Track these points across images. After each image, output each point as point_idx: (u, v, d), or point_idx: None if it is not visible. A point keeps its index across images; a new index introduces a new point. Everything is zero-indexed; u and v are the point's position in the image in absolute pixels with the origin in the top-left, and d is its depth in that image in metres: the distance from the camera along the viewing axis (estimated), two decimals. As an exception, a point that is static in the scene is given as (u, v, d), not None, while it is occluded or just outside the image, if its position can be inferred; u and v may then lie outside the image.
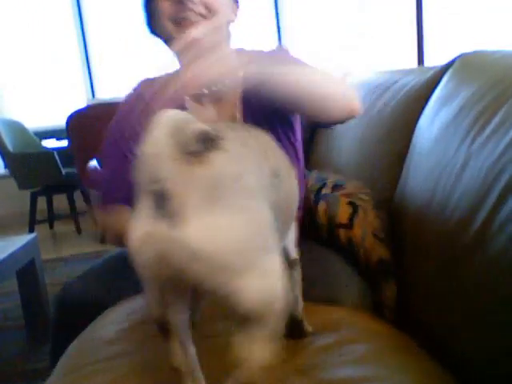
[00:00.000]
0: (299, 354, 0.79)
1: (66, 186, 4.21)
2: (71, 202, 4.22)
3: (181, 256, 0.51)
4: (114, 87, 5.02)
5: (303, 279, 0.88)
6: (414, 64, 2.24)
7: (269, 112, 1.04)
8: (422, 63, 2.21)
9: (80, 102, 4.89)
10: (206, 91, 0.99)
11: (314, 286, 0.97)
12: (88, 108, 3.67)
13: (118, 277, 1.15)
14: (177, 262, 0.51)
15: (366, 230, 1.13)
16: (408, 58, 2.47)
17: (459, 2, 2.93)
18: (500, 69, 0.98)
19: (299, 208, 1.18)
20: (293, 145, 1.15)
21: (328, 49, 4.76)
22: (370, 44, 4.13)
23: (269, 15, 5.04)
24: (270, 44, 4.84)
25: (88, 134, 3.62)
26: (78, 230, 4.25)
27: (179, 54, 1.00)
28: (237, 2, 1.11)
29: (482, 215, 0.78)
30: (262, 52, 1.13)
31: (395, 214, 1.17)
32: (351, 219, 1.14)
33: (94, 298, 1.08)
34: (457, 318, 0.84)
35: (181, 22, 1.00)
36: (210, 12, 1.00)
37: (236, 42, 1.11)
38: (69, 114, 3.52)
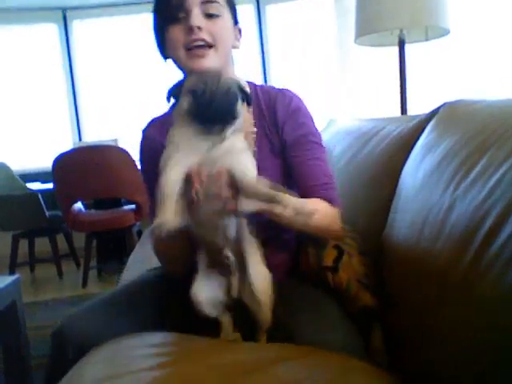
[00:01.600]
0: None
1: (49, 229, 4.17)
2: (53, 245, 4.17)
3: None
4: (101, 130, 5.05)
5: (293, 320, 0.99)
6: (398, 112, 2.31)
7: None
8: (405, 112, 2.28)
9: (66, 144, 4.89)
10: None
11: (306, 326, 1.03)
12: (74, 151, 3.68)
13: (119, 314, 1.16)
14: None
15: (350, 275, 1.15)
16: (391, 107, 2.54)
17: (442, 51, 3.05)
18: (482, 118, 1.02)
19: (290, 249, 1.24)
20: None
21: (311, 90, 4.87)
22: (354, 92, 4.25)
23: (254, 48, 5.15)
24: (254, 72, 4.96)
25: (73, 176, 3.63)
26: (60, 274, 4.18)
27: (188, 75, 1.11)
28: (239, 30, 1.23)
29: (469, 255, 0.80)
30: (276, 93, 1.24)
31: (382, 257, 1.18)
32: (336, 262, 1.17)
33: (94, 334, 1.05)
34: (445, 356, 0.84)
35: (192, 49, 1.11)
36: (215, 40, 1.12)
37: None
38: (54, 156, 3.53)
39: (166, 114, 1.23)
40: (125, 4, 4.97)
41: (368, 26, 2.23)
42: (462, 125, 1.07)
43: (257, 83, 1.30)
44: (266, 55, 5.10)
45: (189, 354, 0.93)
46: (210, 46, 1.12)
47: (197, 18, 1.10)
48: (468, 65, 2.98)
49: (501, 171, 0.82)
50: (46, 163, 4.08)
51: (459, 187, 0.92)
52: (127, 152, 3.51)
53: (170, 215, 0.89)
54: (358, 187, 1.45)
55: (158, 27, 1.19)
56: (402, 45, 2.29)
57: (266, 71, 5.13)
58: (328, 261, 1.17)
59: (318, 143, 1.23)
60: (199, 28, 1.10)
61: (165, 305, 1.20)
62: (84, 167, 3.54)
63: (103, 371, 0.87)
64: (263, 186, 0.97)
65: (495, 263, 0.74)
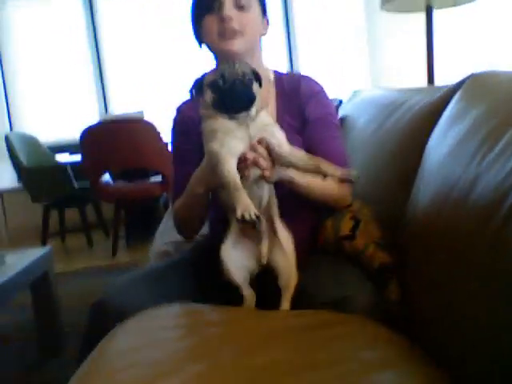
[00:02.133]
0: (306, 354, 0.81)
1: (79, 200, 4.26)
2: (83, 215, 4.27)
3: None
4: (127, 102, 5.09)
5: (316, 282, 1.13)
6: (424, 81, 2.27)
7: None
8: (432, 81, 2.23)
9: (93, 116, 4.96)
10: None
11: (327, 285, 1.13)
12: (101, 124, 3.73)
13: (158, 287, 1.22)
14: None
15: (367, 239, 1.23)
16: (418, 76, 2.49)
17: (470, 17, 2.96)
18: (510, 89, 1.00)
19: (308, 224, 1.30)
20: None
21: (338, 63, 4.80)
22: (381, 62, 4.16)
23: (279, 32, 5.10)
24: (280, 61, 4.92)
25: (100, 148, 3.69)
26: (90, 244, 4.29)
27: (220, 60, 1.32)
28: (267, 18, 1.38)
29: (493, 227, 0.80)
30: (301, 80, 1.39)
31: (406, 227, 1.19)
32: (353, 231, 1.25)
33: (135, 307, 1.08)
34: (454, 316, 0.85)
35: (224, 35, 1.27)
36: (243, 28, 1.28)
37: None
38: (82, 128, 3.59)
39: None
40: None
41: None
42: (489, 96, 1.05)
43: (280, 71, 1.45)
44: (291, 25, 5.03)
45: (208, 324, 0.96)
46: (240, 33, 1.27)
47: (228, 8, 1.26)
48: (496, 33, 2.89)
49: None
50: (73, 135, 4.15)
51: (484, 159, 0.90)
52: (153, 125, 3.54)
53: (248, 202, 1.02)
54: (382, 158, 1.44)
55: (195, 17, 1.34)
56: (429, 10, 2.23)
57: (292, 43, 5.06)
58: (345, 230, 1.25)
59: (338, 126, 1.38)
60: (230, 18, 1.26)
61: (203, 279, 1.27)
62: (111, 140, 3.59)
63: (128, 342, 0.90)
64: (298, 154, 1.14)
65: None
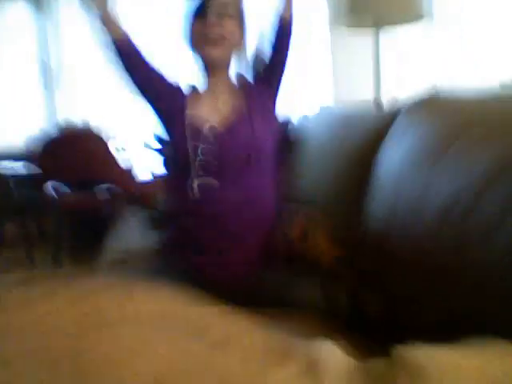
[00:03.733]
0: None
1: (18, 211, 4.11)
2: (23, 227, 4.11)
3: None
4: (75, 111, 4.96)
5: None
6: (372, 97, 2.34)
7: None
8: (379, 97, 2.31)
9: (38, 124, 4.79)
10: None
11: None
12: (50, 132, 3.64)
13: None
14: None
15: (319, 239, 1.27)
16: (366, 92, 2.57)
17: (417, 35, 3.07)
18: (457, 104, 1.07)
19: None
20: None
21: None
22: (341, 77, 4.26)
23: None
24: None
25: (49, 158, 3.57)
26: (30, 257, 4.14)
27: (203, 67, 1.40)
28: (244, 35, 1.44)
29: (445, 235, 0.84)
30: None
31: (361, 238, 1.22)
32: (305, 232, 1.28)
33: None
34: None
35: (208, 40, 1.34)
36: (224, 35, 1.34)
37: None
38: (25, 135, 3.48)
39: None
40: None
41: (343, 9, 2.25)
42: (437, 111, 1.11)
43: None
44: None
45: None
46: (221, 40, 1.34)
47: (211, 15, 1.33)
48: (444, 51, 3.02)
49: (474, 156, 0.86)
50: (15, 142, 4.00)
51: (433, 169, 0.96)
52: (102, 134, 3.49)
53: None
54: (336, 170, 1.49)
55: (187, 22, 1.39)
56: (378, 28, 2.31)
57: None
58: (296, 232, 1.28)
59: None
60: (214, 23, 1.33)
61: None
62: (60, 149, 3.51)
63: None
64: None
65: (474, 235, 0.78)
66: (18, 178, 3.78)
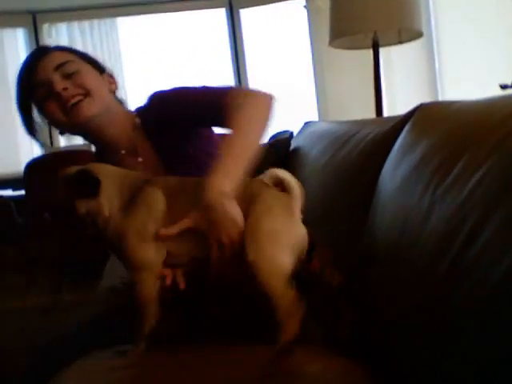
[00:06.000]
0: None
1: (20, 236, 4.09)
2: (25, 252, 4.08)
3: None
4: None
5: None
6: (373, 116, 2.32)
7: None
8: (381, 115, 2.29)
9: (35, 149, 4.78)
10: None
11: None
12: (46, 156, 3.62)
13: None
14: None
15: (322, 261, 1.19)
16: (367, 111, 2.54)
17: (416, 53, 3.07)
18: (458, 120, 1.02)
19: None
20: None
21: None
22: (329, 95, 4.25)
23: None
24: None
25: (46, 182, 3.54)
26: (32, 281, 4.10)
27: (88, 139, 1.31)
28: (110, 74, 1.33)
29: (448, 259, 0.80)
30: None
31: (362, 258, 1.18)
32: (309, 254, 1.18)
33: None
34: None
35: (69, 108, 1.20)
36: (85, 89, 1.21)
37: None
38: (23, 162, 3.46)
39: None
40: None
41: (342, 29, 2.24)
42: (438, 127, 1.07)
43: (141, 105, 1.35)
44: (239, 60, 5.07)
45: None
46: (85, 96, 1.20)
47: (58, 83, 1.19)
48: (443, 67, 3.01)
49: (479, 174, 0.82)
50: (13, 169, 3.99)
51: (437, 190, 0.91)
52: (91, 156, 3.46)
53: None
54: (334, 191, 1.44)
55: (25, 110, 1.29)
56: (375, 47, 2.30)
57: (241, 76, 5.09)
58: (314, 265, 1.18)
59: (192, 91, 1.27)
60: (65, 89, 1.19)
61: None
62: (55, 173, 3.47)
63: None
64: None
65: (474, 269, 0.73)
66: (19, 203, 3.76)
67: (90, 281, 3.77)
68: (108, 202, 1.01)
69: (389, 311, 1.01)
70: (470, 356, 0.72)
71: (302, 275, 1.20)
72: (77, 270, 4.09)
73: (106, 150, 1.32)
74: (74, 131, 1.29)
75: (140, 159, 1.29)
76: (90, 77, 1.24)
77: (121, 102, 1.34)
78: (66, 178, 1.04)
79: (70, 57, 1.24)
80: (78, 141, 4.41)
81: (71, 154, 3.63)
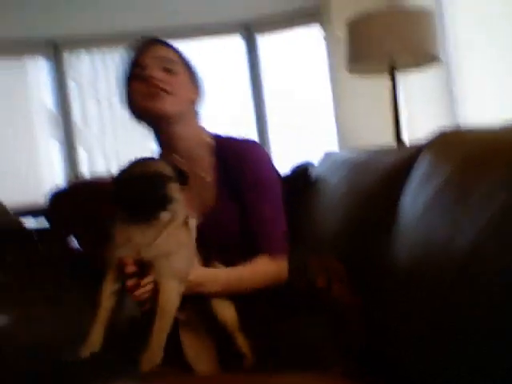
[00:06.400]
0: None
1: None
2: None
3: None
4: (97, 162, 4.99)
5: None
6: (392, 141, 2.32)
7: None
8: (400, 140, 2.29)
9: (57, 179, 4.81)
10: None
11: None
12: (70, 187, 3.64)
13: None
14: None
15: (342, 290, 1.23)
16: (386, 136, 2.54)
17: (434, 78, 3.07)
18: (479, 145, 1.03)
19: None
20: None
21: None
22: (348, 122, 4.26)
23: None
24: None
25: (71, 213, 3.56)
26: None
27: (154, 127, 1.32)
28: (197, 85, 1.38)
29: (466, 283, 0.80)
30: (235, 144, 1.37)
31: (382, 287, 1.18)
32: (329, 283, 1.23)
33: None
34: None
35: (150, 95, 1.24)
36: (171, 88, 1.25)
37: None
38: (44, 191, 3.48)
39: None
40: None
41: (359, 53, 2.27)
42: (459, 153, 1.07)
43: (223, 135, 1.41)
44: (255, 86, 5.07)
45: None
46: (168, 93, 1.25)
47: (153, 69, 1.25)
48: (463, 91, 3.00)
49: (500, 200, 0.82)
50: (34, 198, 4.02)
51: (459, 216, 0.91)
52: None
53: None
54: (355, 219, 1.44)
55: (123, 85, 1.33)
56: (392, 72, 2.32)
57: (258, 108, 5.05)
58: (320, 282, 1.23)
59: (272, 189, 1.36)
60: (154, 77, 1.24)
61: None
62: (81, 203, 3.50)
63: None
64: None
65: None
66: (41, 232, 3.77)
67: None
68: None
69: (404, 329, 1.01)
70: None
71: (308, 291, 1.22)
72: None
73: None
74: (144, 119, 1.33)
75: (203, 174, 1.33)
76: (182, 83, 1.30)
77: (196, 114, 1.38)
78: None
79: (176, 59, 1.31)
80: (102, 171, 4.44)
81: (98, 184, 3.66)
